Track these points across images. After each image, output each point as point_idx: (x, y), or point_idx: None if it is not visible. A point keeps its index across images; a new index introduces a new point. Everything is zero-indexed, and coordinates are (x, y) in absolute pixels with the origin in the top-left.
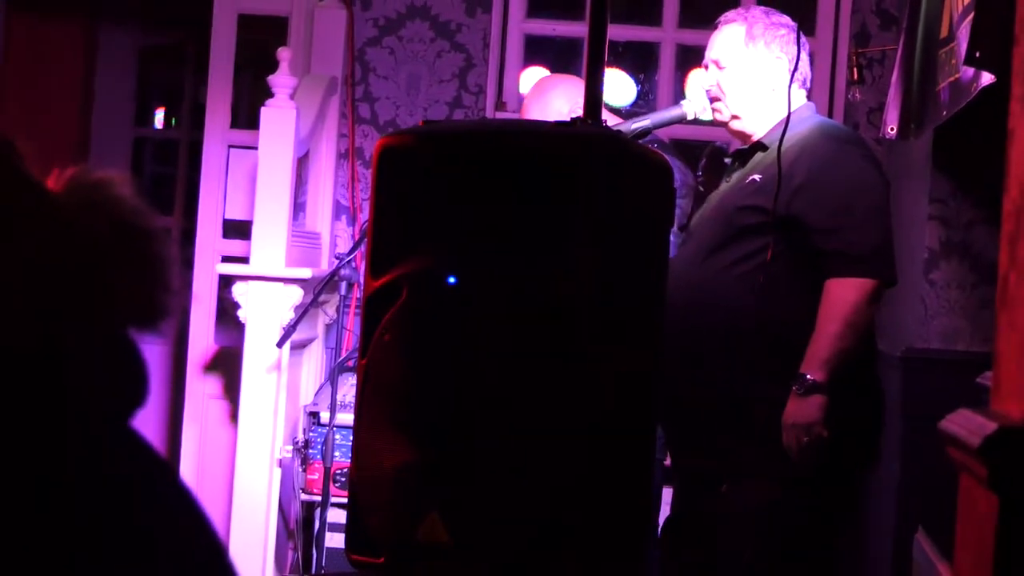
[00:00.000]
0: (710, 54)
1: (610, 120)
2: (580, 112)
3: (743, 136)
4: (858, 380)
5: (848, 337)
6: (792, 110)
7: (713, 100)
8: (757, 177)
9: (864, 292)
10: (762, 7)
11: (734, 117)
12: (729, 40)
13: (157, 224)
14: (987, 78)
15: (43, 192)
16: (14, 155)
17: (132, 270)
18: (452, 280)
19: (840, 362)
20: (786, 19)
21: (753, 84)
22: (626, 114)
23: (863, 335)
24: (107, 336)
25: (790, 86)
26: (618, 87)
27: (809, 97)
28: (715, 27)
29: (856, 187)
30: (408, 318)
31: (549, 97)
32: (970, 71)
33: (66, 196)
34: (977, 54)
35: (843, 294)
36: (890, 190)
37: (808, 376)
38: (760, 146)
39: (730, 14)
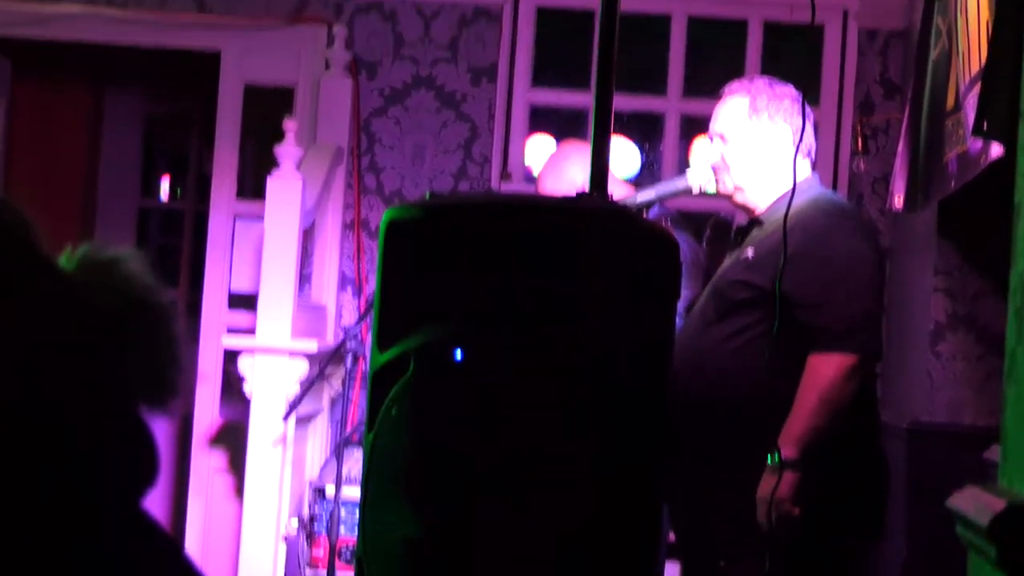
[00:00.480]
0: (714, 126)
1: (616, 192)
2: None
3: (747, 208)
4: (862, 453)
5: (822, 414)
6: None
7: (717, 172)
8: (750, 253)
9: (843, 368)
10: (766, 77)
11: (737, 189)
12: (733, 112)
13: (168, 301)
14: (997, 150)
15: (57, 272)
16: (31, 234)
17: (144, 348)
18: (459, 354)
19: (814, 439)
20: (790, 89)
21: (756, 156)
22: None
23: (841, 411)
24: (119, 415)
25: (795, 158)
26: (623, 156)
27: (814, 166)
28: (719, 98)
29: (843, 261)
30: (415, 392)
31: (564, 167)
32: (979, 142)
33: (79, 274)
34: (985, 125)
35: (821, 369)
36: (887, 262)
37: (781, 451)
38: (758, 223)
39: (734, 85)
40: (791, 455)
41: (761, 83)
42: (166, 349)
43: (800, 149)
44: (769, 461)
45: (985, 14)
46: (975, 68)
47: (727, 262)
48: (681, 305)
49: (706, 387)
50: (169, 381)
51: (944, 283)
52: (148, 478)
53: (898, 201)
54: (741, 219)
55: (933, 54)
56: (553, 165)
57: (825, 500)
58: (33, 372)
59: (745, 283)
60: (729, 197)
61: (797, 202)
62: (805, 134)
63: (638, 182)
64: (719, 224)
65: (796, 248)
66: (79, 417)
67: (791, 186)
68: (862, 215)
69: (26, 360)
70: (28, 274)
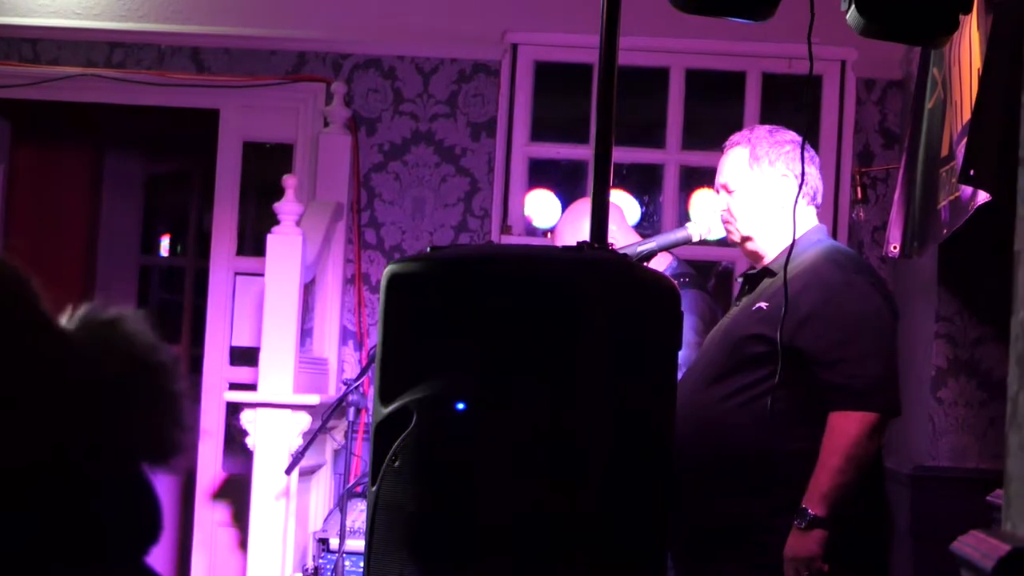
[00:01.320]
0: (719, 179)
1: (617, 242)
2: (617, 234)
3: (756, 256)
4: (865, 500)
5: (850, 471)
6: (801, 232)
7: (726, 223)
8: (764, 305)
9: (866, 426)
10: (767, 126)
11: (746, 239)
12: (735, 163)
13: (170, 359)
14: (983, 196)
15: (58, 331)
16: (29, 292)
17: (146, 408)
18: (461, 406)
19: (842, 496)
20: (791, 135)
21: (761, 204)
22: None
23: (866, 467)
24: (122, 474)
25: (795, 204)
26: (623, 208)
27: (819, 214)
28: (722, 151)
29: (861, 319)
30: (418, 444)
31: (583, 222)
32: (968, 189)
33: (80, 334)
34: (972, 172)
35: (845, 428)
36: (899, 318)
37: (809, 511)
38: (768, 272)
39: (735, 137)
40: (821, 513)
41: (761, 131)
42: (168, 408)
43: (804, 193)
44: (796, 521)
45: (977, 62)
46: (967, 116)
47: (735, 312)
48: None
49: (709, 442)
50: (172, 439)
51: (945, 329)
52: (151, 534)
53: (894, 249)
54: (744, 267)
55: (929, 103)
56: (572, 219)
57: (828, 546)
58: (32, 431)
59: (759, 337)
60: (740, 247)
61: (807, 255)
62: (809, 177)
63: (638, 233)
64: (723, 275)
65: (814, 305)
66: (79, 475)
67: (799, 234)
68: (874, 269)
69: (24, 419)
70: (25, 332)
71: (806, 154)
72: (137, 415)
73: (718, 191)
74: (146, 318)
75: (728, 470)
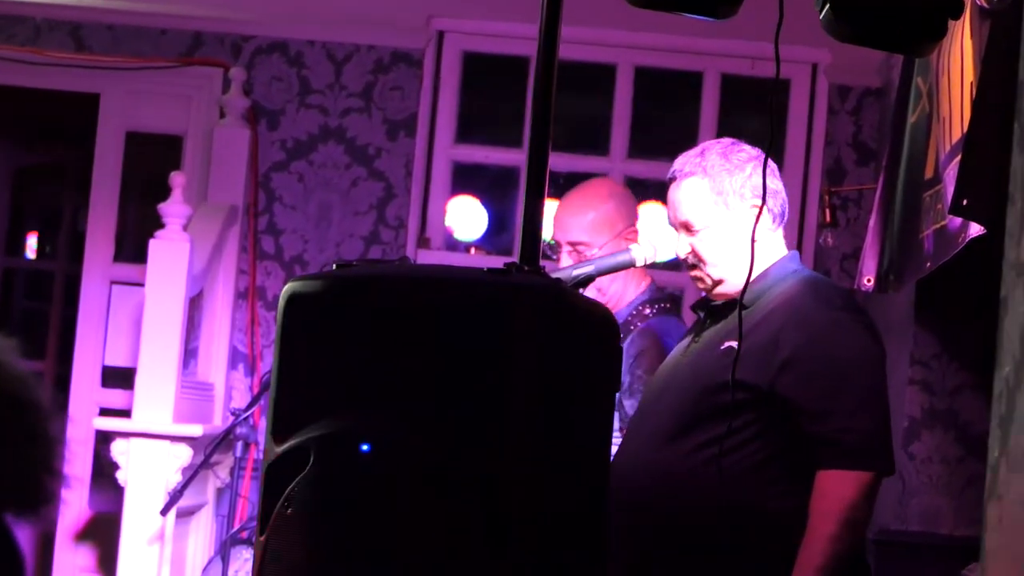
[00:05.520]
0: (678, 216)
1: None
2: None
3: (725, 296)
4: (856, 572)
5: (847, 539)
6: (772, 259)
7: (693, 272)
8: (735, 344)
9: (862, 487)
10: (719, 144)
11: (716, 283)
12: (695, 198)
13: (43, 396)
14: (976, 229)
15: None
16: None
17: (13, 451)
18: (366, 448)
19: (838, 569)
20: (747, 151)
21: (729, 243)
22: None
23: (862, 534)
24: None
25: (754, 228)
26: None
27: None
28: (672, 180)
29: (851, 364)
30: (315, 489)
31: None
32: (958, 219)
33: None
34: (964, 202)
35: (839, 490)
36: (886, 359)
37: None
38: (737, 304)
39: (686, 165)
40: None
41: (714, 157)
42: (40, 451)
43: (770, 211)
44: None
45: (969, 75)
46: (956, 135)
47: (697, 350)
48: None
49: (673, 506)
50: (41, 487)
51: (920, 374)
52: None
53: (868, 282)
54: (694, 295)
55: (912, 117)
56: (577, 205)
57: None
58: None
59: (736, 384)
60: (709, 292)
61: (784, 287)
62: (772, 196)
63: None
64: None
65: (796, 348)
66: None
67: (770, 262)
68: (861, 306)
69: None
70: None
71: (771, 166)
72: (4, 457)
73: (678, 229)
74: (15, 347)
75: (698, 537)
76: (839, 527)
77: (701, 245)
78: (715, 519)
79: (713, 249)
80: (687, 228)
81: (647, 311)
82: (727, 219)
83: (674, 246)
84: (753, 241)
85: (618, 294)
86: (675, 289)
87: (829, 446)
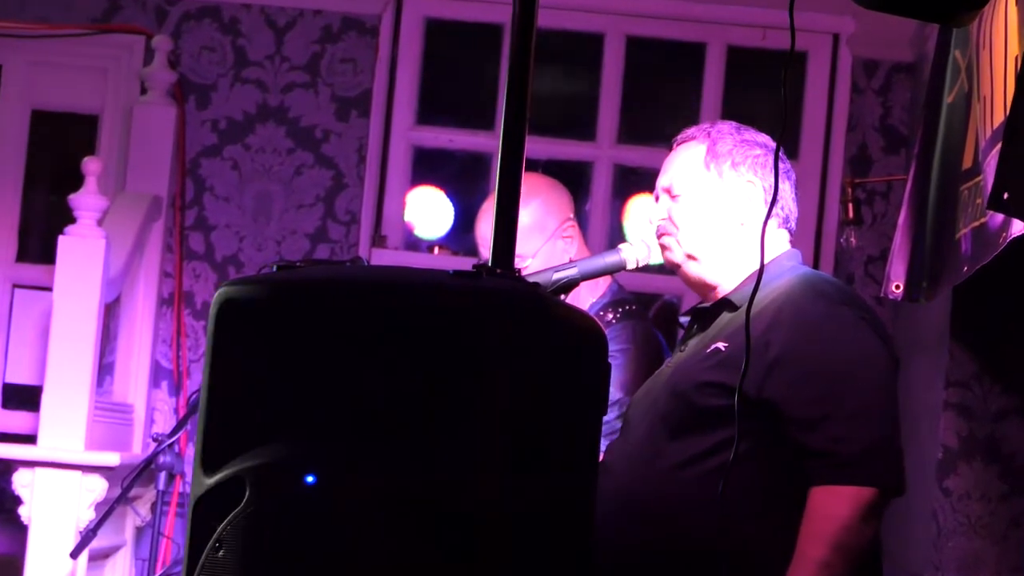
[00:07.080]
0: (662, 180)
1: (530, 267)
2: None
3: (701, 285)
4: None
5: (837, 565)
6: (770, 257)
7: (661, 236)
8: (723, 345)
9: (858, 505)
10: (732, 122)
11: (689, 258)
12: (686, 161)
13: None
14: (1018, 227)
15: None
16: None
17: None
18: (311, 479)
19: None
20: (762, 137)
21: (714, 215)
22: None
23: (858, 561)
24: None
25: (765, 223)
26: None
27: (793, 241)
28: (671, 147)
29: (848, 364)
30: (251, 527)
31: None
32: (999, 216)
33: None
34: (1005, 195)
35: (831, 508)
36: (899, 367)
37: None
38: (727, 304)
39: (691, 130)
40: None
41: (725, 126)
42: None
43: (774, 213)
44: None
45: (1015, 48)
46: (999, 118)
47: (682, 357)
48: None
49: (655, 529)
50: None
51: (957, 397)
52: None
53: (896, 288)
54: (696, 304)
55: (948, 97)
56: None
57: None
58: None
59: (718, 385)
60: (677, 268)
61: (778, 283)
62: (781, 194)
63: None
64: (667, 308)
65: (785, 346)
66: None
67: (766, 260)
68: (866, 303)
69: None
70: None
71: (781, 165)
72: None
73: (657, 197)
74: None
75: (682, 563)
76: (829, 552)
77: (679, 210)
78: (696, 545)
79: (692, 217)
80: (668, 193)
81: (608, 316)
82: (715, 188)
83: (653, 212)
84: (763, 241)
85: (571, 299)
86: (672, 296)
87: (822, 458)
